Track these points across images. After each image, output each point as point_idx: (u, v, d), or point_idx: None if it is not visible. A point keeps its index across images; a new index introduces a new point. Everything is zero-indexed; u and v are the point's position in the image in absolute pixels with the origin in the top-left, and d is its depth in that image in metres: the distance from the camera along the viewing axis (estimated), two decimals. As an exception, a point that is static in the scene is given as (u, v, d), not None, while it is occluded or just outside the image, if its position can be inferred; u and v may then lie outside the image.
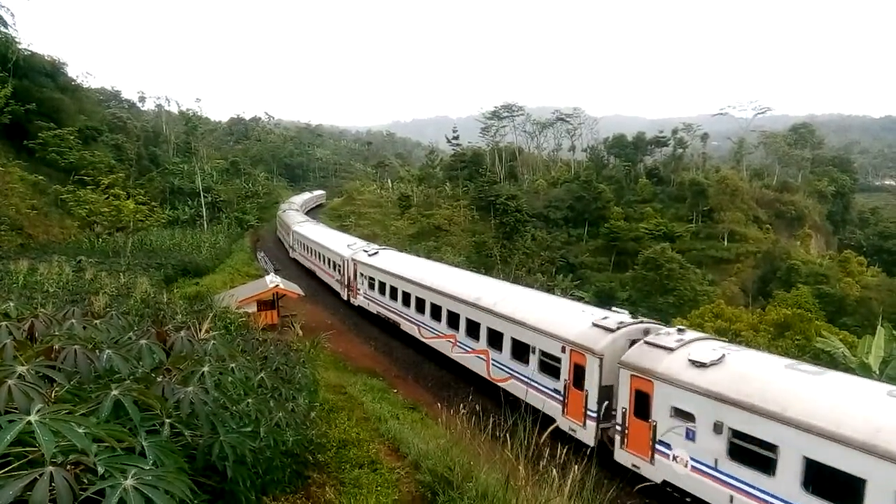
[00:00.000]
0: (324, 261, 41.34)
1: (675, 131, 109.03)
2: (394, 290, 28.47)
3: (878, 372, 23.56)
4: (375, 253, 33.23)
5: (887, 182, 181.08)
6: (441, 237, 79.14)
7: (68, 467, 2.50)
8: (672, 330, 15.26)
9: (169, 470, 2.92)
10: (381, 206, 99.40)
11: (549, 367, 16.94)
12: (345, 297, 35.95)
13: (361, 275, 33.00)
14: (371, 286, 31.51)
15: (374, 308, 31.15)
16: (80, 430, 2.58)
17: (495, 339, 19.83)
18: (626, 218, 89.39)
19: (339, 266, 36.76)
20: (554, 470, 6.24)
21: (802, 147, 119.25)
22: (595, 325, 16.09)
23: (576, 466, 6.17)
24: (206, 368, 4.19)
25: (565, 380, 16.15)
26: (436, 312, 24.29)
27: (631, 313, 17.54)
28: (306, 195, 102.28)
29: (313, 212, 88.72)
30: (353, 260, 34.61)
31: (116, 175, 45.73)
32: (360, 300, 33.44)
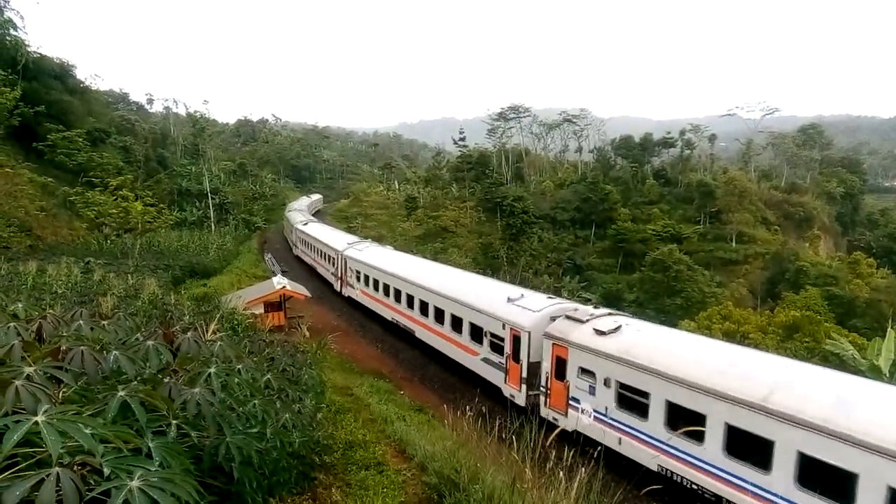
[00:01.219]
0: (443, 319, 24.00)
1: (682, 132, 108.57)
2: (744, 439, 12.60)
3: (888, 374, 23.39)
4: (616, 329, 16.64)
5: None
6: (448, 238, 79.14)
7: (75, 468, 2.51)
8: None
9: (175, 471, 2.92)
10: (388, 207, 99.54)
11: None
12: (517, 400, 19.17)
13: (583, 370, 16.66)
14: (627, 403, 15.39)
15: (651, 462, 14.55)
16: (87, 431, 2.58)
17: None
18: (633, 219, 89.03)
19: (503, 340, 20.10)
20: (560, 472, 6.22)
21: (811, 148, 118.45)
22: None
23: (582, 469, 6.15)
24: (212, 369, 4.19)
25: None
26: None
27: None
28: (306, 200, 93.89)
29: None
30: (553, 337, 17.86)
31: (125, 177, 46.02)
32: (582, 422, 16.42)
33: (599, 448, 7.59)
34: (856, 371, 23.85)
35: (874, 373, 23.27)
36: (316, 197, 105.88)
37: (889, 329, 27.44)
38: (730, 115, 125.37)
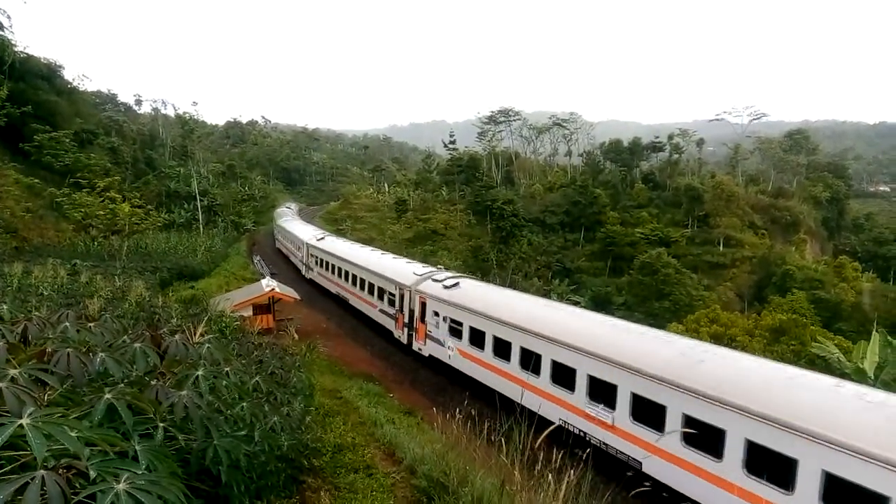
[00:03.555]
0: None
1: (670, 136, 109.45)
2: None
3: (873, 377, 23.61)
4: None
5: (881, 188, 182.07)
6: (437, 241, 79.17)
7: (60, 471, 2.48)
8: None
9: (162, 474, 2.90)
10: (378, 210, 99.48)
11: None
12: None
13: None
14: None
15: None
16: (73, 434, 2.56)
17: None
18: (622, 223, 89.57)
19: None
20: (549, 474, 6.22)
21: (797, 153, 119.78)
22: None
23: (571, 471, 6.16)
24: (200, 372, 4.16)
25: None
26: None
27: None
28: (288, 210, 79.39)
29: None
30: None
31: (112, 178, 45.61)
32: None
33: (588, 450, 7.62)
34: (842, 374, 24.08)
35: (859, 375, 23.49)
36: (294, 205, 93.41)
37: (874, 332, 27.75)
38: (718, 119, 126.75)
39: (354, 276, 32.93)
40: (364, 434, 11.20)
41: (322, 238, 44.49)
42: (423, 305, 24.57)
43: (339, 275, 36.06)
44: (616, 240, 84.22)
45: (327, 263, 39.00)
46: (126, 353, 4.14)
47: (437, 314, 23.37)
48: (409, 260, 33.08)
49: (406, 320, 26.13)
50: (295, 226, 59.08)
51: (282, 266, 50.67)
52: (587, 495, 6.25)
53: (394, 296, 27.30)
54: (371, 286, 30.42)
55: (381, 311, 29.06)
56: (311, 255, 43.42)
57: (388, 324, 28.08)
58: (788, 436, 10.55)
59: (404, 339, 25.94)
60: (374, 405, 16.40)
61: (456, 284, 23.77)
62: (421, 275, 26.59)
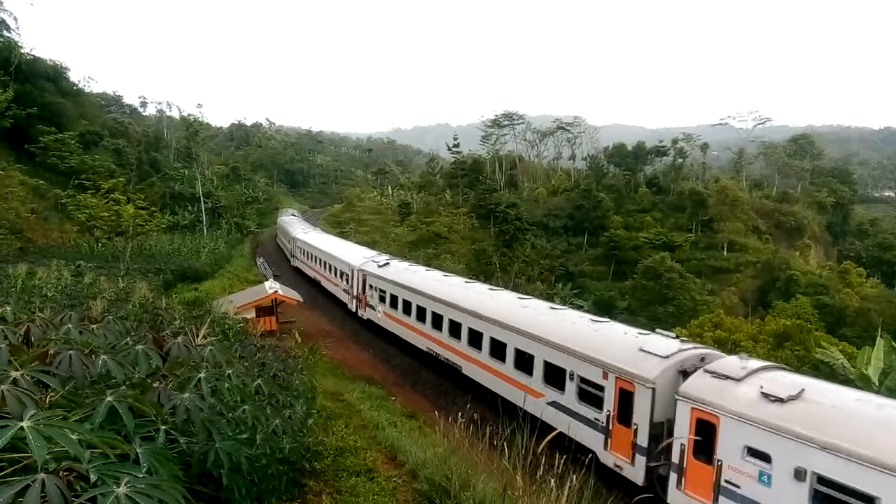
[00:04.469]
0: None
1: (675, 141, 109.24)
2: None
3: (877, 383, 23.52)
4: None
5: (886, 193, 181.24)
6: (441, 245, 79.12)
7: (61, 474, 2.48)
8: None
9: (163, 478, 2.89)
10: (381, 213, 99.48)
11: None
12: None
13: None
14: None
15: None
16: (73, 437, 2.56)
17: None
18: (625, 227, 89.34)
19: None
20: (551, 480, 6.20)
21: (802, 158, 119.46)
22: None
23: (573, 476, 6.14)
24: (202, 374, 4.16)
25: None
26: None
27: None
28: (294, 218, 72.20)
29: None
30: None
31: (117, 180, 45.68)
32: None
33: (590, 455, 7.56)
34: (845, 380, 23.98)
35: (864, 382, 23.39)
36: (299, 213, 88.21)
37: (878, 338, 27.66)
38: (722, 124, 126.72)
39: (477, 334, 21.02)
40: (366, 437, 11.18)
41: (385, 264, 32.51)
42: (709, 428, 11.89)
43: (436, 325, 24.32)
44: (619, 244, 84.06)
45: (406, 304, 27.28)
46: (128, 355, 4.14)
47: (759, 455, 10.95)
48: (595, 317, 19.03)
49: (642, 442, 13.19)
50: (328, 242, 46.48)
51: (318, 296, 39.71)
52: (589, 501, 6.22)
53: (599, 388, 15.05)
54: (527, 359, 18.11)
55: (560, 406, 16.30)
56: (373, 288, 31.80)
57: (584, 436, 14.98)
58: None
59: (639, 479, 12.97)
60: (376, 408, 16.39)
61: (798, 395, 11.08)
62: (669, 357, 13.91)
